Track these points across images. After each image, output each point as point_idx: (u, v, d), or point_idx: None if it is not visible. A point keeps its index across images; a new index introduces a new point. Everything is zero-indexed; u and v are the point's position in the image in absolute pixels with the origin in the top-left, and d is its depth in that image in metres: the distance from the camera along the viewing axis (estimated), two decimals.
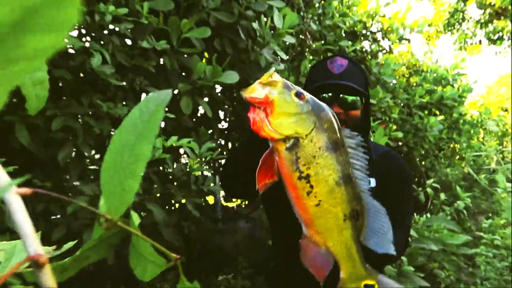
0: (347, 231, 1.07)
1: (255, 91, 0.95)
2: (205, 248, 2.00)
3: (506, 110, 13.58)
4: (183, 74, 1.81)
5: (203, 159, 1.42)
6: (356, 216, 1.07)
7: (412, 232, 1.70)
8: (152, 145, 0.29)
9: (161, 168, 1.60)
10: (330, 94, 1.35)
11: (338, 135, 1.03)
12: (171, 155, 1.34)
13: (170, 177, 1.57)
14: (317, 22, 3.21)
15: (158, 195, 1.28)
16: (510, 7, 13.70)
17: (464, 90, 5.79)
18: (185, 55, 1.76)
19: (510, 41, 15.06)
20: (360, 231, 1.09)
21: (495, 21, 15.30)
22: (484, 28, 15.70)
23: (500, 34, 15.15)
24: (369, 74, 3.88)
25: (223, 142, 2.47)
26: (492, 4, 14.02)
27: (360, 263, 1.08)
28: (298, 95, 0.97)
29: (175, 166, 1.47)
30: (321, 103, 1.05)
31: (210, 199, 2.45)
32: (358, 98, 1.38)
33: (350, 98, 1.37)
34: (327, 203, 1.02)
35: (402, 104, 4.77)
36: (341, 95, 1.36)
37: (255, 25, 1.95)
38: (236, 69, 2.04)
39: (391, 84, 4.45)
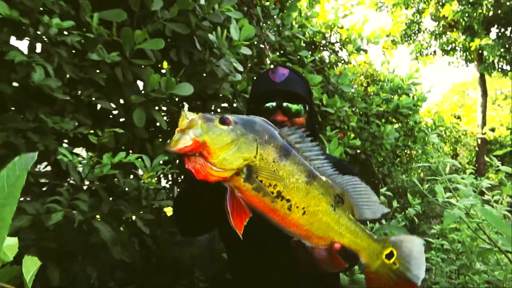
0: (342, 218, 1.03)
1: (180, 141, 0.88)
2: (162, 261, 1.97)
3: (458, 118, 14.29)
4: (139, 85, 1.79)
5: (156, 173, 1.40)
6: (341, 199, 1.04)
7: None
8: (15, 207, 0.29)
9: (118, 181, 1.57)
10: (273, 103, 1.37)
11: (281, 138, 1.00)
12: (121, 171, 1.31)
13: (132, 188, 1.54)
14: (276, 33, 3.26)
15: (107, 212, 1.25)
16: (461, 20, 14.48)
17: (418, 99, 6.03)
18: (143, 66, 1.73)
19: (461, 52, 15.89)
20: (352, 209, 1.05)
21: (448, 33, 16.11)
22: (438, 40, 16.49)
23: (453, 45, 15.97)
24: (327, 84, 3.98)
25: None
26: (445, 16, 14.76)
27: (370, 239, 1.05)
28: (224, 121, 0.93)
29: (130, 179, 1.44)
30: (249, 117, 1.03)
31: (169, 211, 2.41)
32: (301, 106, 1.41)
33: (293, 106, 1.38)
34: (311, 206, 0.99)
35: (360, 113, 4.92)
36: (284, 104, 1.37)
37: (211, 36, 1.96)
38: (192, 81, 2.04)
39: (350, 94, 4.58)
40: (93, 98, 1.38)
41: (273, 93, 1.39)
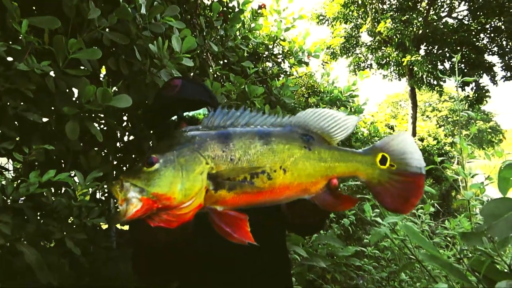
0: (322, 152, 0.97)
1: (129, 208, 0.80)
2: (96, 279, 1.88)
3: (392, 128, 15.17)
4: (73, 96, 1.70)
5: (89, 190, 1.33)
6: (309, 137, 0.97)
7: (301, 252, 1.80)
8: None
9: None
10: (174, 116, 1.35)
11: (210, 130, 0.94)
12: (50, 188, 1.24)
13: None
14: (219, 44, 3.27)
15: (33, 232, 1.17)
16: (394, 37, 15.47)
17: (356, 110, 6.33)
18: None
19: (395, 66, 16.95)
20: (325, 139, 0.99)
21: (383, 48, 17.13)
22: (374, 54, 17.46)
23: (387, 60, 17.00)
24: (270, 94, 4.06)
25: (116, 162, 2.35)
26: (380, 32, 15.69)
27: (358, 156, 1.00)
28: (151, 162, 0.85)
29: (61, 197, 1.36)
30: (168, 136, 0.97)
31: (103, 224, 2.31)
32: (206, 109, 1.37)
33: (196, 112, 1.35)
34: (286, 161, 0.92)
35: None
36: (185, 114, 1.34)
37: (152, 46, 1.92)
38: (131, 91, 1.98)
39: (291, 104, 4.70)
40: (19, 110, 1.29)
41: (171, 107, 1.35)
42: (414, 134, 17.04)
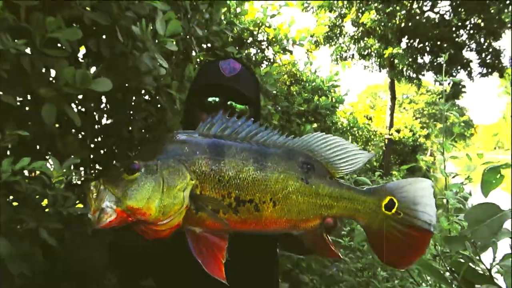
0: (320, 187, 0.88)
1: (102, 217, 0.74)
2: (70, 266, 1.84)
3: (370, 119, 15.38)
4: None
5: (66, 178, 1.28)
6: (309, 166, 0.88)
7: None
8: None
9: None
10: (217, 98, 1.20)
11: (204, 138, 0.85)
12: (22, 176, 1.18)
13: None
14: (204, 28, 3.19)
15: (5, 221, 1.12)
16: (377, 28, 15.54)
17: (336, 100, 6.37)
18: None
19: (376, 57, 17.08)
20: (327, 171, 0.89)
21: (365, 38, 17.20)
22: (356, 44, 17.53)
23: (369, 51, 17.10)
24: None
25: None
26: (364, 23, 15.72)
27: (361, 196, 0.89)
28: (133, 169, 0.77)
29: (33, 185, 1.30)
30: (155, 140, 0.94)
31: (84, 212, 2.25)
32: (247, 107, 1.24)
33: (239, 106, 1.21)
34: (277, 192, 0.84)
35: (282, 111, 5.05)
36: (229, 102, 1.20)
37: (135, 28, 1.85)
38: (112, 73, 1.91)
39: (273, 92, 4.67)
40: None
41: (220, 88, 1.20)
42: (391, 125, 17.33)
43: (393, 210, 0.89)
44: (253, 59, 4.38)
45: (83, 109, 2.22)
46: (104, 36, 1.89)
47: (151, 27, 1.87)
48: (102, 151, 2.38)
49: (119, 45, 1.86)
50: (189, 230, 0.82)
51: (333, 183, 0.90)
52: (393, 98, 18.21)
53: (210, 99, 1.20)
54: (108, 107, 2.44)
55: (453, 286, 1.02)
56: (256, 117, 1.29)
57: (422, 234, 0.87)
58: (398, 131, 18.09)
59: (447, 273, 1.06)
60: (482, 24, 16.00)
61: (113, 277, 1.95)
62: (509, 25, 15.02)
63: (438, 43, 16.19)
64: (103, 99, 2.40)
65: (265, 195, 0.84)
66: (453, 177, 1.42)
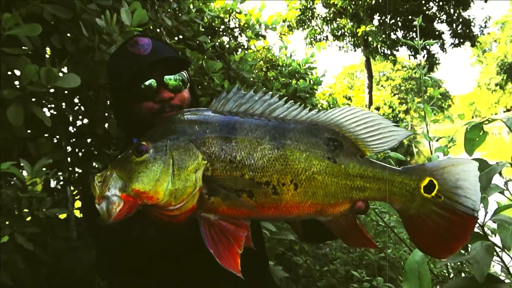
0: (350, 166, 0.77)
1: (109, 209, 0.69)
2: (55, 270, 1.78)
3: (349, 98, 15.49)
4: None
5: (40, 179, 1.23)
6: (337, 143, 0.78)
7: (270, 226, 1.78)
8: None
9: None
10: (152, 80, 1.08)
11: (215, 114, 0.78)
12: None
13: None
14: (173, 17, 3.11)
15: None
16: (349, 8, 15.58)
17: (314, 82, 6.36)
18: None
19: (350, 37, 17.15)
20: (357, 149, 0.80)
21: (338, 19, 17.23)
22: (329, 25, 17.54)
23: (342, 31, 17.16)
24: (228, 70, 3.97)
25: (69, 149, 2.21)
26: (335, 4, 15.74)
27: (397, 176, 0.79)
28: (141, 151, 0.73)
29: (6, 189, 1.24)
30: (163, 119, 0.86)
31: (61, 214, 2.19)
32: (184, 74, 1.15)
33: (176, 77, 1.11)
34: (300, 173, 0.75)
35: None
36: (166, 76, 1.09)
37: (99, 21, 1.78)
38: (80, 70, 1.84)
39: (250, 79, 4.63)
40: None
41: (148, 68, 1.07)
42: (370, 103, 17.49)
43: (433, 193, 0.79)
44: (227, 47, 4.32)
45: (55, 112, 2.15)
46: (68, 33, 1.82)
47: (117, 19, 1.80)
48: (79, 153, 2.31)
49: (84, 40, 1.79)
50: (203, 217, 0.75)
51: (364, 161, 0.80)
52: (370, 76, 18.36)
53: (146, 83, 1.07)
54: (82, 107, 2.37)
55: None
56: (191, 84, 1.21)
57: (465, 220, 0.78)
58: (377, 108, 18.29)
59: None
60: None
61: (102, 279, 1.90)
62: None
63: (410, 17, 16.32)
64: (77, 100, 2.33)
65: (284, 177, 0.75)
66: (437, 140, 1.41)
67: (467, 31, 17.04)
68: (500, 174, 0.88)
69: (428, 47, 16.21)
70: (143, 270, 1.01)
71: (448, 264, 1.43)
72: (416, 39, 1.46)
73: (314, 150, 0.77)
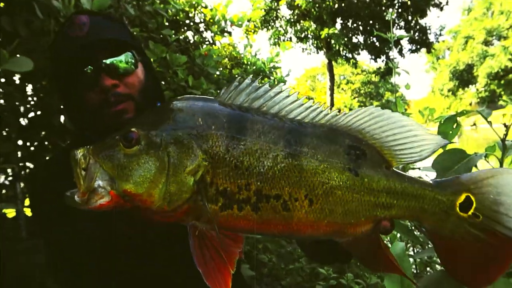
0: (374, 180, 0.66)
1: (92, 197, 0.59)
2: (6, 273, 1.64)
3: (311, 99, 15.70)
4: None
5: None
6: (360, 152, 0.67)
7: None
8: None
9: None
10: (90, 66, 0.94)
11: (224, 108, 0.66)
12: None
13: None
14: (136, 7, 2.99)
15: None
16: (313, 10, 15.82)
17: (278, 82, 6.37)
18: None
19: (313, 39, 17.42)
20: (383, 158, 0.69)
21: (301, 21, 17.44)
22: (293, 27, 17.73)
23: (306, 33, 17.40)
24: (193, 65, 3.87)
25: (21, 142, 2.06)
26: (299, 6, 15.92)
27: (429, 192, 0.68)
28: (130, 139, 0.61)
29: None
30: (163, 105, 0.75)
31: (10, 213, 2.04)
32: (130, 56, 0.99)
33: (120, 60, 0.97)
34: (316, 187, 0.64)
35: None
36: (107, 61, 0.95)
37: (56, 3, 1.65)
38: (34, 54, 1.70)
39: (215, 76, 4.56)
40: None
41: (85, 52, 0.94)
42: (332, 105, 17.85)
43: (470, 212, 0.68)
44: (192, 41, 4.22)
45: (3, 102, 1.99)
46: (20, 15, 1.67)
47: (75, 1, 1.68)
48: (31, 147, 2.15)
49: (38, 22, 1.65)
50: (194, 226, 0.64)
51: (391, 174, 0.68)
52: (332, 78, 18.74)
53: (87, 69, 0.94)
54: (35, 97, 2.21)
55: (421, 239, 1.01)
56: (145, 63, 1.08)
57: (506, 244, 0.67)
58: (339, 110, 18.65)
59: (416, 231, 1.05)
60: (409, 3, 16.82)
61: (52, 281, 1.77)
62: (432, 2, 15.93)
63: (370, 22, 16.82)
64: (29, 91, 2.18)
65: (298, 190, 0.64)
66: None
67: (424, 37, 17.80)
68: (476, 166, 0.88)
69: (387, 50, 16.79)
70: (109, 271, 0.91)
71: (416, 259, 1.44)
72: (388, 33, 1.45)
73: (333, 160, 0.66)
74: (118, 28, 1.05)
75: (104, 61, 0.95)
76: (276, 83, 6.21)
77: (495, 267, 0.69)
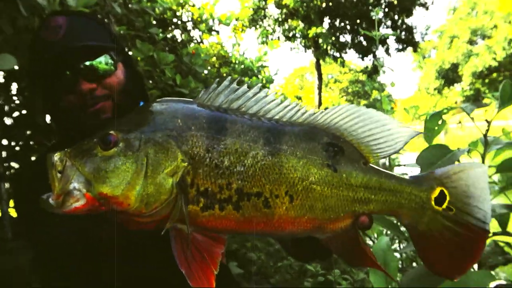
0: (352, 175, 0.68)
1: (67, 200, 0.58)
2: None
3: (300, 98, 15.77)
4: None
5: None
6: (337, 148, 0.68)
7: None
8: None
9: None
10: (67, 70, 0.93)
11: (203, 109, 0.66)
12: None
13: None
14: (122, 6, 2.96)
15: None
16: (300, 9, 15.88)
17: (267, 81, 6.38)
18: None
19: (301, 38, 17.48)
20: (360, 154, 0.70)
21: (289, 20, 17.49)
22: (281, 26, 17.76)
23: (294, 32, 17.45)
24: (180, 63, 3.85)
25: (6, 142, 2.03)
26: (287, 5, 15.96)
27: (406, 187, 0.70)
28: (108, 142, 0.61)
29: None
30: (142, 107, 0.74)
31: None
32: (108, 58, 0.98)
33: (97, 62, 0.96)
34: (296, 183, 0.65)
35: None
36: (83, 65, 0.94)
37: (40, 0, 1.63)
38: (19, 54, 1.68)
39: (203, 75, 4.54)
40: None
41: (61, 57, 0.93)
42: (320, 103, 17.94)
43: (444, 205, 0.71)
44: (179, 40, 4.20)
45: None
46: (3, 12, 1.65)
47: None
48: (16, 146, 2.12)
49: (22, 19, 1.63)
50: (176, 228, 0.64)
51: (369, 170, 0.70)
52: (320, 77, 18.83)
53: (64, 73, 0.94)
54: (20, 96, 2.18)
55: (406, 234, 1.03)
56: (126, 63, 1.07)
57: (477, 235, 0.69)
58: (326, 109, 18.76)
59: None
60: (395, 2, 16.99)
61: (38, 281, 1.76)
62: (418, 1, 16.12)
63: (358, 21, 16.95)
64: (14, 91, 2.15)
65: (278, 187, 0.65)
66: None
67: (410, 37, 18.00)
68: (459, 161, 0.90)
69: (374, 49, 16.95)
70: (95, 272, 0.90)
71: (402, 254, 1.46)
72: (374, 31, 1.47)
73: (312, 157, 0.67)
74: (96, 29, 1.04)
75: (82, 65, 0.95)
76: (264, 82, 6.22)
77: (468, 257, 0.71)
